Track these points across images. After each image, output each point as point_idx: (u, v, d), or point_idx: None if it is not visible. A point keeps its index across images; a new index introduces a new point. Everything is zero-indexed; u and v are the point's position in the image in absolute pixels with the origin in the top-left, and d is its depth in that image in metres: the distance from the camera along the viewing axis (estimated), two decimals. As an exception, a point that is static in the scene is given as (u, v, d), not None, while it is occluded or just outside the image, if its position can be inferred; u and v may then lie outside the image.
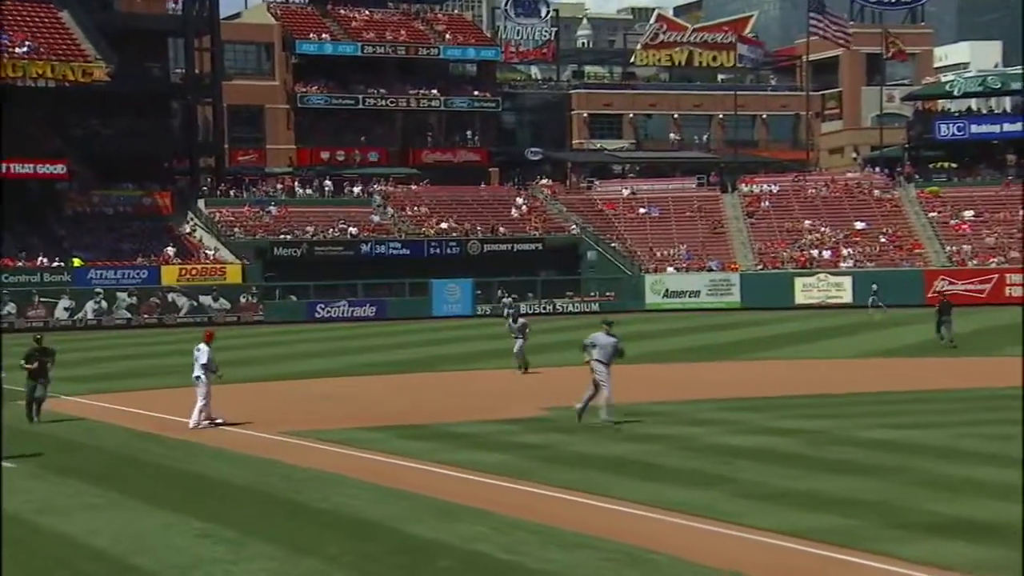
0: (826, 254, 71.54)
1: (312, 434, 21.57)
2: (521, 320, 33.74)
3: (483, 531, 13.46)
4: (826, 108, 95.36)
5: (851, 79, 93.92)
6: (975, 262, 68.46)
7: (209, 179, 76.83)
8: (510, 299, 61.02)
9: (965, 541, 12.50)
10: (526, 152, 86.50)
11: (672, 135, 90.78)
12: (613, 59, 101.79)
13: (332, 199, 75.13)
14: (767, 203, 77.69)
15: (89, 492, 16.24)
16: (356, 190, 76.15)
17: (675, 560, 12.14)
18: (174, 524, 14.09)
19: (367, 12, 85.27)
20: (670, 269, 71.56)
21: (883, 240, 72.56)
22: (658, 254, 73.85)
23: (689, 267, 72.00)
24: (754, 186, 79.58)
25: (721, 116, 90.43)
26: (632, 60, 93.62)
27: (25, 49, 63.96)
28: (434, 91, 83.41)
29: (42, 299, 59.89)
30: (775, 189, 78.86)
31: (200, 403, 22.89)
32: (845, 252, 71.24)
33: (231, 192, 73.70)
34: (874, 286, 61.58)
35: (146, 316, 61.46)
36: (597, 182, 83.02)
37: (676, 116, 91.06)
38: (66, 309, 60.25)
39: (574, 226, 74.98)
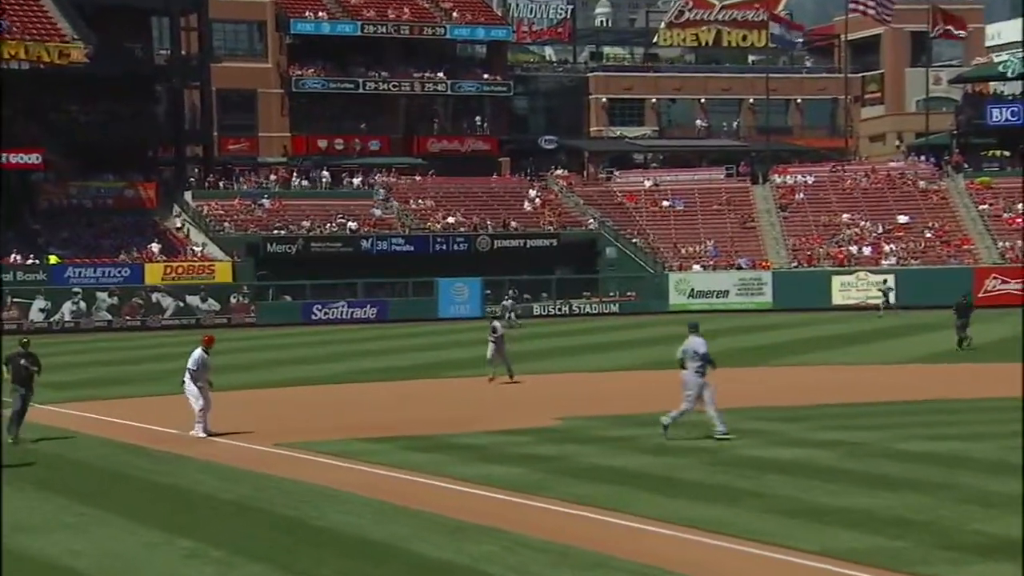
0: (866, 251, 71.46)
1: (308, 446, 21.68)
2: (498, 324, 33.73)
3: (493, 550, 13.55)
4: (866, 92, 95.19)
5: (894, 60, 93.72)
6: (1029, 259, 68.29)
7: (197, 169, 76.99)
8: (509, 300, 61.01)
9: (1019, 564, 12.48)
10: (540, 140, 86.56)
11: (698, 121, 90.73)
12: (634, 39, 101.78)
13: (330, 191, 75.29)
14: (802, 195, 77.60)
15: (68, 509, 16.37)
16: (356, 181, 76.31)
17: (699, 582, 12.21)
18: (159, 543, 14.20)
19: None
20: (696, 267, 71.55)
21: (929, 235, 72.43)
22: (683, 251, 73.83)
23: (717, 265, 71.98)
24: (788, 177, 79.48)
25: (752, 101, 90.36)
26: (655, 40, 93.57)
27: (-3, 29, 64.21)
28: (440, 74, 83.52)
29: (15, 299, 60.14)
30: (810, 180, 78.76)
31: (195, 410, 23.01)
32: (887, 248, 71.15)
33: (220, 184, 73.90)
34: (885, 280, 61.55)
35: (128, 318, 61.69)
36: (617, 173, 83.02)
37: (703, 101, 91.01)
38: (41, 310, 60.49)
39: (592, 220, 75.03)
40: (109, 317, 61.51)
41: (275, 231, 69.24)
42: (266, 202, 72.20)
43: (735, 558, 13.23)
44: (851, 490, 16.50)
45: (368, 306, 65.98)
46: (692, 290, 69.42)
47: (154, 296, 62.31)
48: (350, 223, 70.81)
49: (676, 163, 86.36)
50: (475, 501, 16.63)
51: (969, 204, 74.66)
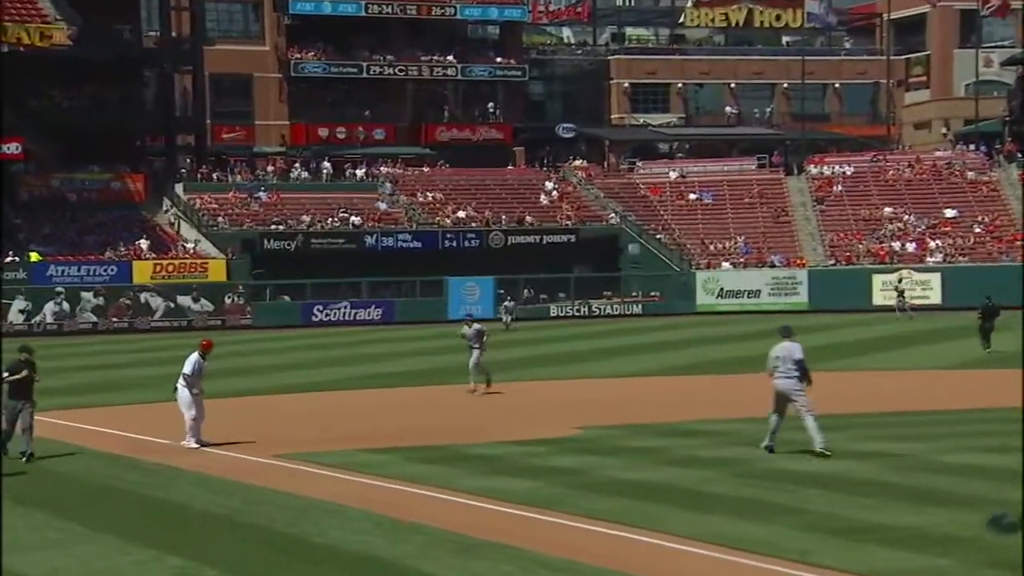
0: (910, 247, 71.30)
1: (308, 457, 21.71)
2: (477, 327, 32.94)
3: (508, 570, 13.55)
4: (911, 75, 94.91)
5: (941, 40, 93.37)
6: (1087, 256, 68.07)
7: (188, 160, 77.22)
8: (511, 302, 61.08)
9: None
10: (557, 128, 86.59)
11: (728, 108, 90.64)
12: (659, 19, 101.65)
13: (331, 183, 75.43)
14: (840, 187, 77.48)
15: (51, 525, 16.42)
16: (359, 173, 76.43)
17: (729, 604, 12.19)
18: (148, 561, 14.22)
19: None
20: (725, 265, 71.49)
21: (978, 230, 72.24)
22: (711, 247, 73.77)
23: (748, 263, 71.91)
24: (825, 167, 79.35)
25: (786, 85, 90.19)
26: (681, 20, 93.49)
27: (-25, 9, 64.44)
28: (450, 57, 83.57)
29: (-5, 300, 60.34)
30: (849, 171, 78.62)
31: (187, 420, 23.06)
32: (933, 245, 70.98)
33: (214, 175, 74.11)
34: (900, 283, 61.47)
35: (115, 320, 61.88)
36: (640, 163, 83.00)
37: (733, 86, 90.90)
38: (21, 311, 60.70)
39: (613, 215, 75.02)
40: (94, 319, 61.70)
41: (273, 226, 69.40)
42: (263, 195, 72.36)
43: (769, 579, 13.21)
44: (893, 505, 16.46)
45: (373, 307, 66.09)
46: (721, 290, 69.37)
47: (143, 296, 62.50)
48: (353, 218, 70.93)
49: (704, 153, 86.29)
50: (487, 516, 16.63)
51: (1022, 196, 74.40)
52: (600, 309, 68.92)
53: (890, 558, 13.72)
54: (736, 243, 73.86)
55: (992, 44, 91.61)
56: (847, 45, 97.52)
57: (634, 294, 71.06)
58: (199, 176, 73.64)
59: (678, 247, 73.41)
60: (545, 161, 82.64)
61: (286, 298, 66.86)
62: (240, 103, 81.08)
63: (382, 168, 77.15)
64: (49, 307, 61.13)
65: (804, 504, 16.76)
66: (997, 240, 71.56)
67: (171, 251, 66.12)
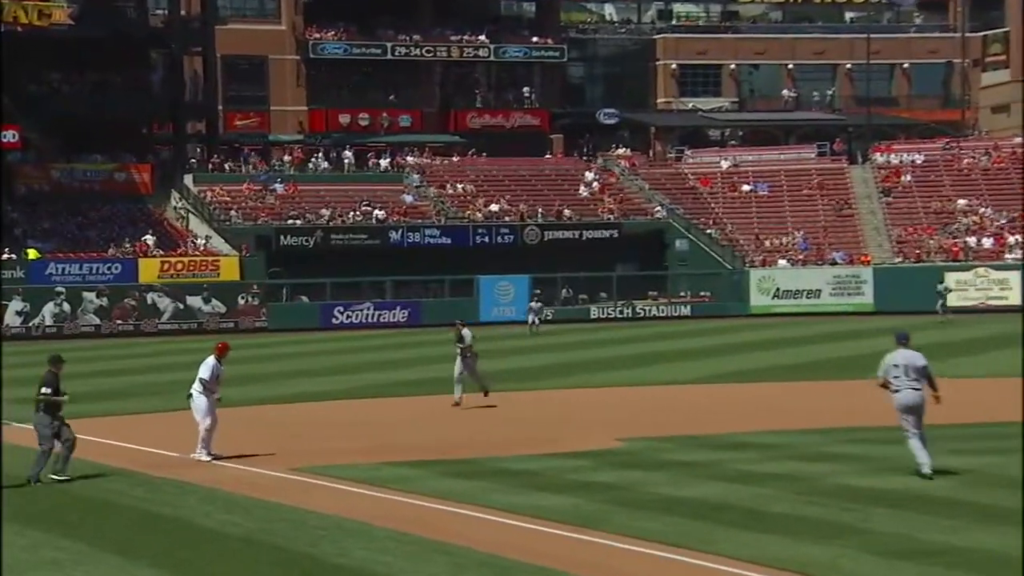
0: (986, 242, 70.85)
1: (329, 471, 21.74)
2: (467, 332, 32.07)
3: (545, 594, 13.52)
4: (988, 54, 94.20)
5: (1022, 15, 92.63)
6: None
7: (198, 149, 77.59)
8: (537, 303, 60.83)
9: None
10: (598, 114, 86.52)
11: (785, 91, 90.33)
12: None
13: (353, 174, 75.61)
14: (909, 177, 77.08)
15: (51, 544, 16.48)
16: (383, 163, 76.58)
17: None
18: (157, 583, 14.28)
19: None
20: (782, 262, 71.25)
21: (1061, 224, 71.76)
22: (767, 243, 73.52)
23: (807, 260, 71.63)
24: (892, 155, 78.97)
25: (849, 66, 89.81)
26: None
27: (-32, -13, 64.88)
28: (482, 37, 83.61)
29: (-10, 300, 60.73)
30: (919, 159, 78.21)
31: (201, 430, 23.13)
32: (1012, 240, 70.47)
33: (226, 166, 74.41)
34: (940, 286, 61.14)
35: (119, 322, 62.21)
36: (689, 152, 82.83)
37: (791, 67, 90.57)
38: (19, 313, 61.08)
39: (659, 208, 74.88)
40: (97, 321, 62.04)
41: (290, 221, 69.62)
42: (279, 187, 72.60)
43: (832, 605, 13.13)
44: (969, 526, 16.33)
45: (398, 308, 66.20)
46: (777, 289, 69.15)
47: (149, 296, 62.80)
48: (377, 211, 71.07)
49: (759, 140, 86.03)
50: (523, 536, 16.60)
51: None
52: (645, 311, 68.79)
53: (966, 584, 13.61)
54: (794, 239, 73.59)
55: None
56: (917, 21, 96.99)
57: (682, 294, 70.89)
58: (210, 167, 73.96)
59: (730, 243, 73.19)
60: (585, 150, 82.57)
61: (304, 299, 67.06)
62: (254, 87, 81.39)
63: (408, 158, 77.28)
64: (48, 308, 61.50)
65: (870, 524, 16.67)
66: (1081, 235, 71.03)
67: (180, 248, 66.43)
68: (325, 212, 70.56)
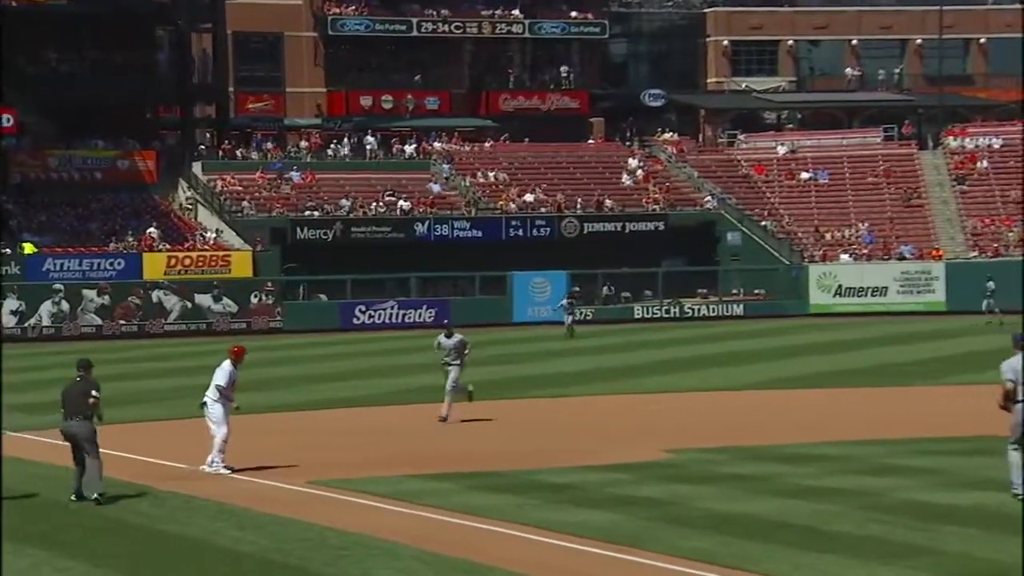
0: (1070, 235, 70.45)
1: (350, 484, 21.81)
2: (458, 337, 30.86)
3: (584, 619, 13.54)
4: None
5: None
6: None
7: (208, 134, 77.76)
8: (567, 300, 60.46)
9: None
10: (643, 96, 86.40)
11: (849, 70, 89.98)
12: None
13: (376, 162, 75.70)
14: (985, 163, 76.67)
15: (51, 563, 16.58)
16: (408, 149, 76.67)
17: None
18: (164, 605, 14.36)
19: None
20: (844, 257, 71.02)
21: None
22: (828, 236, 73.27)
23: (872, 254, 71.36)
24: (967, 140, 78.57)
25: (919, 42, 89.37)
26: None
27: (-42, -41, 65.16)
28: (515, 12, 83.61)
29: (-17, 299, 61.05)
30: (997, 143, 77.78)
31: (218, 439, 23.20)
32: (1097, 232, 70.09)
33: (238, 152, 74.62)
34: (990, 284, 60.68)
35: (123, 322, 62.46)
36: (742, 136, 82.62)
37: (854, 43, 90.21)
38: (14, 312, 61.37)
39: (709, 198, 74.74)
40: (98, 321, 62.30)
41: (307, 212, 69.78)
42: (295, 176, 72.76)
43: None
44: (1050, 546, 16.27)
45: (424, 307, 66.26)
46: (839, 287, 68.92)
47: (155, 295, 63.03)
48: (402, 202, 71.17)
49: (819, 123, 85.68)
50: (560, 555, 16.62)
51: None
52: (693, 310, 68.66)
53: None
54: (858, 231, 73.32)
55: None
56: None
57: (734, 292, 70.68)
58: (220, 153, 74.17)
59: (787, 236, 72.96)
60: (628, 134, 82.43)
61: (322, 297, 67.18)
62: (268, 67, 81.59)
63: (435, 143, 77.33)
64: (46, 307, 61.78)
65: (941, 544, 16.63)
66: None
67: (188, 242, 66.66)
68: (345, 203, 70.70)
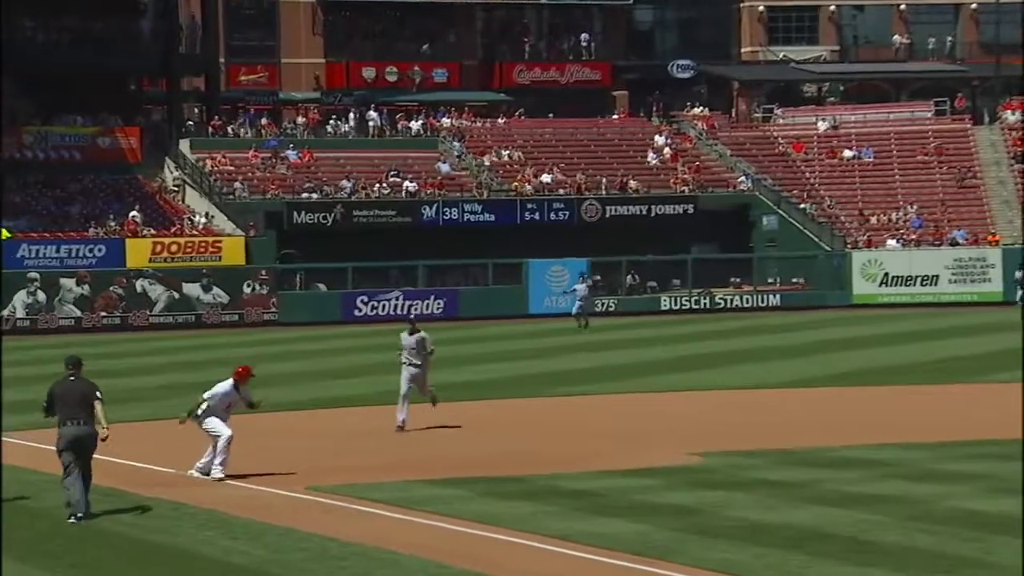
0: None
1: (352, 490, 21.88)
2: (420, 334, 29.95)
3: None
4: None
5: None
6: None
7: (196, 109, 77.76)
8: (583, 284, 60.03)
9: None
10: (671, 67, 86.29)
11: (896, 38, 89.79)
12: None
13: (380, 139, 75.69)
14: (1045, 140, 76.46)
15: None
16: (415, 126, 76.63)
17: None
18: (151, 621, 14.43)
19: None
20: (891, 243, 70.89)
21: None
22: (873, 220, 73.15)
23: (921, 239, 71.22)
24: (1024, 114, 78.37)
25: (974, 6, 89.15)
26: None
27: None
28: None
29: (-48, 289, 61.18)
30: (1059, 118, 77.57)
31: (222, 441, 23.13)
32: None
33: (229, 129, 74.62)
34: (1018, 272, 60.49)
35: (104, 314, 62.54)
36: (779, 111, 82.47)
37: (902, 8, 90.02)
38: (-13, 304, 61.44)
39: (743, 178, 74.64)
40: (77, 312, 62.39)
41: (304, 195, 69.80)
42: (292, 154, 72.78)
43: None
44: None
45: (432, 298, 66.27)
46: (885, 276, 68.76)
47: (139, 284, 63.10)
48: (407, 183, 71.16)
49: (864, 97, 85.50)
50: (580, 568, 16.67)
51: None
52: (725, 301, 68.60)
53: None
54: (906, 214, 73.18)
55: None
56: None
57: (770, 281, 70.59)
58: (210, 130, 74.18)
59: (828, 220, 72.85)
60: (655, 109, 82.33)
61: (321, 287, 67.21)
62: (262, 35, 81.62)
63: (444, 120, 77.28)
64: (20, 298, 61.88)
65: (993, 556, 16.65)
66: None
67: (175, 226, 66.72)
68: (346, 184, 70.71)
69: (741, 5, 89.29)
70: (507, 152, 75.29)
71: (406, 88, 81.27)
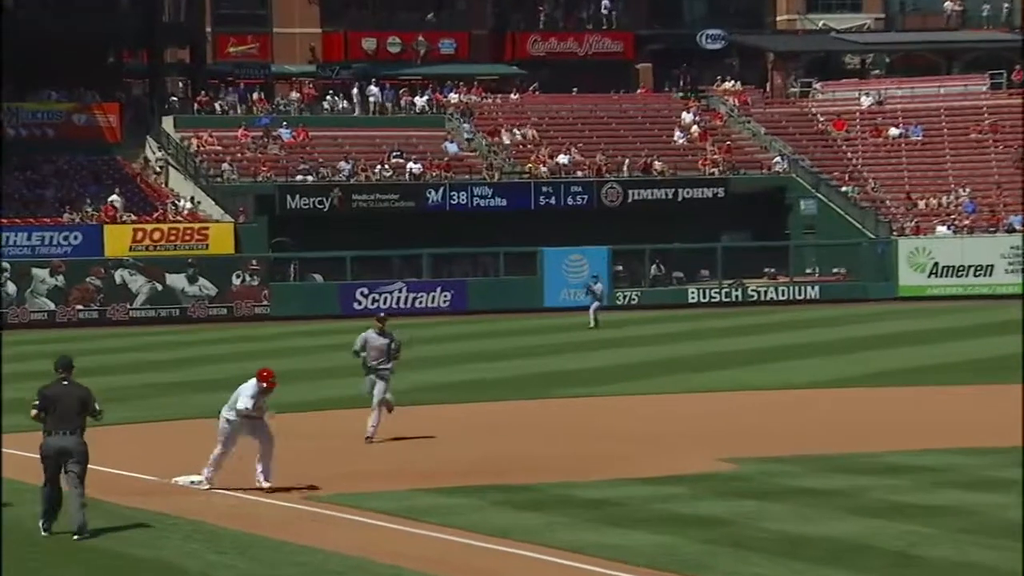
0: None
1: (351, 500, 21.88)
2: (392, 336, 28.74)
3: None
4: None
5: None
6: None
7: (181, 84, 77.79)
8: (598, 284, 59.54)
9: None
10: (699, 37, 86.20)
11: (947, 4, 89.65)
12: None
13: (381, 117, 75.71)
14: (1110, 117, 76.36)
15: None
16: (420, 102, 76.64)
17: None
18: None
19: None
20: (941, 229, 70.81)
21: None
22: (921, 204, 73.08)
23: (975, 226, 71.13)
24: (1089, 88, 78.26)
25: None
26: None
27: None
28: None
29: (-86, 280, 61.28)
30: (1126, 93, 77.45)
31: (215, 453, 23.12)
32: None
33: (217, 106, 74.67)
34: None
35: (80, 307, 62.60)
36: (818, 85, 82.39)
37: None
38: (-47, 296, 61.56)
39: (778, 159, 74.59)
40: (51, 305, 62.48)
41: (299, 177, 69.85)
42: (285, 133, 72.82)
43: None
44: None
45: (438, 289, 66.32)
46: (935, 265, 68.71)
47: (118, 275, 63.18)
48: (412, 165, 71.20)
49: (912, 69, 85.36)
50: (602, 586, 16.67)
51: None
52: (759, 293, 68.61)
53: None
54: (958, 198, 73.09)
55: None
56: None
57: (808, 271, 70.58)
58: (196, 106, 74.25)
59: (872, 205, 72.78)
60: (682, 83, 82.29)
61: (317, 278, 67.26)
62: (252, 4, 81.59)
63: (452, 95, 77.30)
64: (-11, 290, 61.99)
65: (1055, 571, 16.62)
66: None
67: (157, 212, 66.79)
68: (344, 166, 70.75)
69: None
70: (520, 131, 75.25)
71: (410, 61, 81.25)
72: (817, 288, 69.13)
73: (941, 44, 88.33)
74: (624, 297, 66.50)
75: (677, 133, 76.57)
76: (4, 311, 61.55)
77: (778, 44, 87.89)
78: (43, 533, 19.78)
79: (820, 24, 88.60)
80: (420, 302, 65.84)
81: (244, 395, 23.15)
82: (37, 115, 69.80)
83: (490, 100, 78.31)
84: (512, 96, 78.99)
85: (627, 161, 73.08)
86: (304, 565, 17.66)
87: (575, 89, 79.59)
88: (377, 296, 65.45)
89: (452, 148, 73.56)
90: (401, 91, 77.76)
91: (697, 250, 69.49)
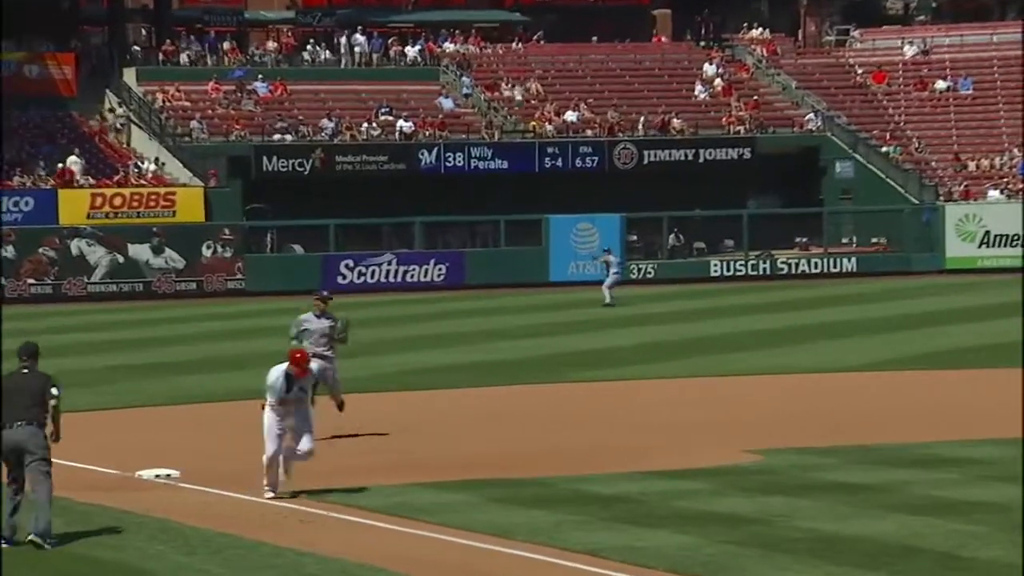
0: None
1: (335, 496, 21.93)
2: (332, 318, 28.43)
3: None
4: None
5: None
6: None
7: (144, 32, 77.66)
8: (612, 256, 58.89)
9: None
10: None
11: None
12: None
13: (368, 69, 75.60)
14: None
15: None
16: (411, 52, 76.56)
17: None
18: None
19: None
20: (993, 194, 70.78)
21: None
22: (971, 166, 73.03)
23: (1029, 191, 71.15)
24: None
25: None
26: None
27: None
28: None
29: None
30: None
31: (264, 457, 22.64)
32: None
33: (184, 56, 74.58)
34: None
35: (32, 281, 62.61)
36: (856, 33, 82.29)
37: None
38: None
39: (811, 116, 74.52)
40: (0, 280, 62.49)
41: (276, 136, 69.80)
42: (261, 87, 72.74)
43: None
44: None
45: (432, 262, 66.32)
46: (986, 234, 68.64)
47: (75, 245, 63.16)
48: (402, 123, 71.15)
49: (960, 15, 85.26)
50: (615, 591, 16.73)
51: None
52: (789, 265, 68.60)
53: None
54: (1012, 159, 73.04)
55: None
56: None
57: (844, 241, 70.54)
58: (161, 57, 74.17)
59: (916, 166, 72.75)
60: (703, 31, 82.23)
61: (297, 248, 67.25)
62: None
63: (446, 45, 77.23)
64: (-68, 262, 62.04)
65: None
66: None
67: (118, 175, 66.75)
68: (327, 124, 70.71)
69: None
70: (523, 85, 75.21)
71: (400, 6, 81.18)
72: (854, 260, 69.08)
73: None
74: (639, 270, 66.48)
75: (698, 87, 76.51)
76: (-52, 286, 61.69)
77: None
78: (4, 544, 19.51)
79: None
80: (412, 276, 65.84)
81: (270, 387, 22.43)
82: (-15, 67, 69.83)
83: (490, 50, 78.24)
84: (514, 46, 78.92)
85: (642, 118, 73.04)
86: (279, 568, 17.73)
87: (593, 38, 79.43)
88: (364, 269, 65.49)
89: (447, 104, 73.51)
90: (390, 40, 77.68)
91: (720, 217, 69.49)
